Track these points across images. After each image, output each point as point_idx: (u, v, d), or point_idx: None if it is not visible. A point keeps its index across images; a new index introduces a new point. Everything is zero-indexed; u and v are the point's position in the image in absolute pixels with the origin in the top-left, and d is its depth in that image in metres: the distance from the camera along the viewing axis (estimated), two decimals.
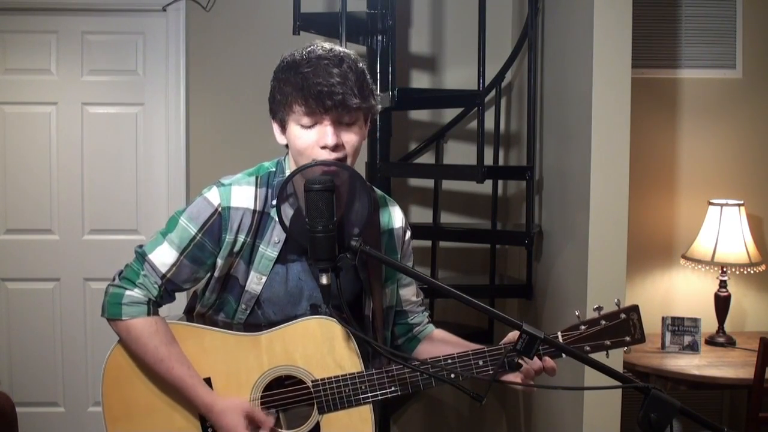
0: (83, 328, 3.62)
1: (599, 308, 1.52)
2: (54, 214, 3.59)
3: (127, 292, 1.56)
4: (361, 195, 1.43)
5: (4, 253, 3.59)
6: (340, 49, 1.50)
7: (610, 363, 1.25)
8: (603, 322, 1.50)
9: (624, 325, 1.50)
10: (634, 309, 1.52)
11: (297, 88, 1.44)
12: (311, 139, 1.47)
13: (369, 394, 1.53)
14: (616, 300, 1.53)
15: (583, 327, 1.51)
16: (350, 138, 1.48)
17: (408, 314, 1.76)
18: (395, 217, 1.72)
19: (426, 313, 1.80)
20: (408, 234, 1.75)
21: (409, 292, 1.75)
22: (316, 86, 1.42)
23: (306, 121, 1.46)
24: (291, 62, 1.48)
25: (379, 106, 1.55)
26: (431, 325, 1.79)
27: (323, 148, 1.45)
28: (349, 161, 1.49)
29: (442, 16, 3.56)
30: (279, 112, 1.51)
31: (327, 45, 1.50)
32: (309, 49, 1.49)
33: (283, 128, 1.52)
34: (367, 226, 1.43)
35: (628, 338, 1.50)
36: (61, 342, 3.63)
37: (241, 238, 1.56)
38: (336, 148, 1.46)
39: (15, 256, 3.60)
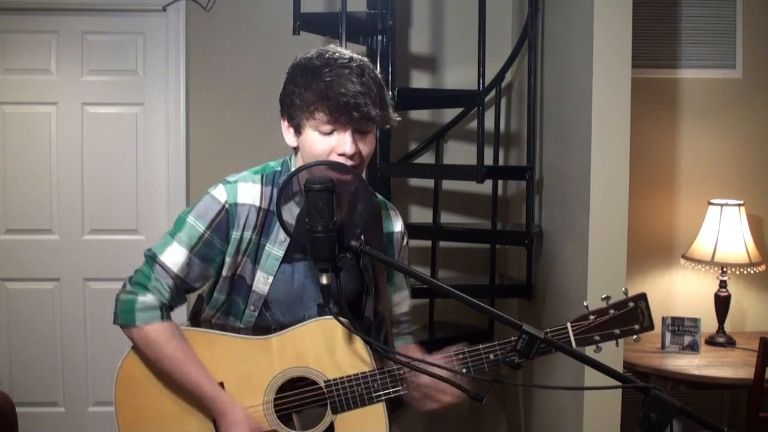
0: (83, 328, 3.62)
1: (607, 297, 1.53)
2: (54, 214, 3.59)
3: (140, 298, 1.56)
4: (362, 196, 1.43)
5: (4, 253, 3.59)
6: (358, 56, 1.51)
7: (610, 363, 1.25)
8: (612, 311, 1.52)
9: (632, 313, 1.52)
10: (642, 297, 1.53)
11: (321, 96, 1.44)
12: (329, 146, 1.48)
13: (382, 392, 1.54)
14: (623, 289, 1.55)
15: (592, 317, 1.52)
16: (365, 147, 1.51)
17: (394, 322, 1.76)
18: (395, 221, 1.74)
19: (411, 327, 1.80)
20: (405, 239, 1.76)
21: (399, 297, 1.75)
22: (341, 97, 1.43)
23: (326, 128, 1.47)
24: (310, 67, 1.48)
25: (397, 117, 1.56)
26: (411, 338, 1.79)
27: (341, 155, 1.47)
28: (361, 168, 1.51)
29: (442, 16, 3.56)
30: (296, 117, 1.51)
31: (344, 50, 1.51)
32: (327, 55, 1.49)
33: (299, 132, 1.52)
34: (368, 227, 1.43)
35: (637, 326, 1.52)
36: (61, 342, 3.62)
37: (247, 234, 1.56)
38: (353, 156, 1.48)
39: (15, 256, 3.60)
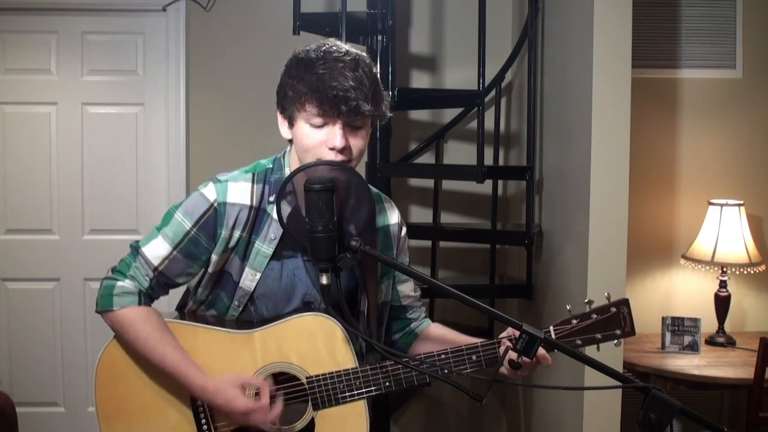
0: (83, 328, 3.62)
1: (590, 302, 1.53)
2: (54, 214, 3.59)
3: (118, 283, 1.58)
4: (360, 195, 1.43)
5: (4, 253, 3.59)
6: (355, 51, 1.50)
7: (610, 363, 1.26)
8: (594, 316, 1.51)
9: (614, 318, 1.52)
10: (624, 302, 1.53)
11: (312, 88, 1.44)
12: (319, 139, 1.47)
13: (363, 390, 1.54)
14: (606, 294, 1.54)
15: (574, 321, 1.52)
16: (357, 142, 1.49)
17: (407, 309, 1.77)
18: (390, 214, 1.73)
19: (423, 309, 1.81)
20: (404, 230, 1.76)
21: (408, 288, 1.75)
22: (331, 89, 1.42)
23: (317, 121, 1.46)
24: (305, 59, 1.48)
25: (389, 113, 1.56)
26: (428, 320, 1.80)
27: (331, 149, 1.46)
28: (353, 164, 1.50)
29: (442, 16, 3.56)
30: (289, 108, 1.51)
31: (342, 45, 1.51)
32: (324, 48, 1.48)
33: (291, 124, 1.53)
34: (366, 227, 1.43)
35: (618, 331, 1.52)
36: (61, 342, 3.63)
37: (237, 233, 1.56)
38: (343, 150, 1.47)
39: (15, 256, 3.60)
